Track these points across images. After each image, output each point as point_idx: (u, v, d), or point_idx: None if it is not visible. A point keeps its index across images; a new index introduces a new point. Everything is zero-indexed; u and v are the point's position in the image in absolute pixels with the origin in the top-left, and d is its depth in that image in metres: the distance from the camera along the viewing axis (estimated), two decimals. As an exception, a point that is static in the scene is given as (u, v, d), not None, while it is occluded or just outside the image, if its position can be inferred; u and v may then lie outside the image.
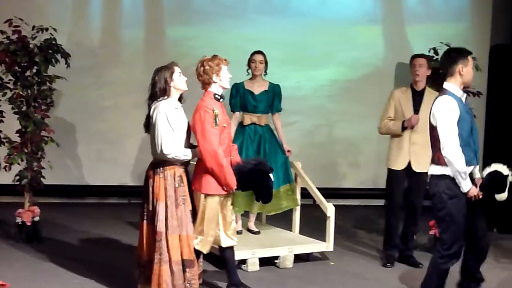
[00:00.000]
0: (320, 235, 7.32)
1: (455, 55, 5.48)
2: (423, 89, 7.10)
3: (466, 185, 5.28)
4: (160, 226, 5.37)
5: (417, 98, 7.07)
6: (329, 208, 7.13)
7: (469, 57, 5.44)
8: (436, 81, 7.82)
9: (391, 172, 7.19)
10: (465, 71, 5.39)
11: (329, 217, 7.14)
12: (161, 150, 5.35)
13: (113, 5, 10.05)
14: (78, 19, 9.92)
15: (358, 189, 10.52)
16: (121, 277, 6.22)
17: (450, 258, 5.40)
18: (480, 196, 5.32)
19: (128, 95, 9.61)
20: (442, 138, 5.28)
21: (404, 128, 7.00)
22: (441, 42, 7.92)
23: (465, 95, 5.47)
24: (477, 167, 5.51)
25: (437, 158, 5.38)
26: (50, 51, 7.60)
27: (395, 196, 7.19)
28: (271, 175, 5.78)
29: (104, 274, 6.37)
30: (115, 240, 7.79)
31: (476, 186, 5.35)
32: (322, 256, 7.41)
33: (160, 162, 5.45)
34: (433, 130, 5.40)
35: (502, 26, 10.57)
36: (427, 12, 10.64)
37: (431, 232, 7.71)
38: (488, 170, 5.41)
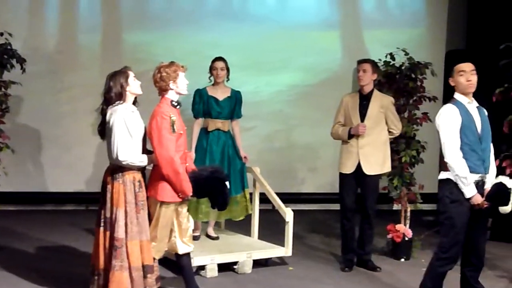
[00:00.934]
0: (279, 240, 7.33)
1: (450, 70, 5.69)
2: (370, 93, 7.17)
3: (468, 191, 5.35)
4: (121, 232, 5.30)
5: (364, 102, 7.15)
6: (288, 213, 7.14)
7: (456, 67, 5.54)
8: (391, 87, 7.93)
9: (341, 176, 7.23)
10: (454, 81, 5.54)
11: (287, 222, 7.14)
12: (116, 156, 5.29)
13: (70, 9, 9.94)
14: (34, 23, 9.80)
15: (317, 193, 10.58)
16: (77, 285, 6.15)
17: (446, 261, 5.48)
18: (485, 206, 5.39)
19: (85, 100, 9.48)
20: (443, 144, 5.42)
21: (351, 136, 7.07)
22: (398, 48, 7.98)
23: (474, 104, 5.55)
24: (488, 176, 5.54)
25: (443, 164, 5.47)
26: (5, 56, 7.51)
27: (346, 200, 7.21)
28: (227, 182, 5.76)
29: (60, 282, 6.30)
30: (71, 247, 7.69)
31: (483, 195, 5.41)
32: (281, 261, 7.42)
33: (117, 167, 5.38)
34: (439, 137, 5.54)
35: (458, 32, 10.73)
36: (383, 17, 10.78)
37: (389, 236, 7.77)
38: (494, 181, 5.49)
